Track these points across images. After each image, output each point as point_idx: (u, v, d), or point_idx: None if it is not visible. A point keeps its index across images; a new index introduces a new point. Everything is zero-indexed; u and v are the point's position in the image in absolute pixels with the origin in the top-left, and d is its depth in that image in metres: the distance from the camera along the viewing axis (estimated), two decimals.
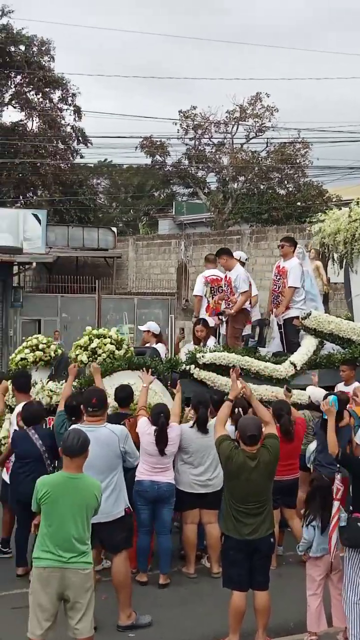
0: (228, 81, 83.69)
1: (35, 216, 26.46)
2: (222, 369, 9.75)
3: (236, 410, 7.72)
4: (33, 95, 35.82)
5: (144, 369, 8.99)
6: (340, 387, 9.70)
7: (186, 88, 78.70)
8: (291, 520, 8.34)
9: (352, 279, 13.67)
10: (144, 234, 39.88)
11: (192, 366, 9.75)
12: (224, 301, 11.37)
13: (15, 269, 26.95)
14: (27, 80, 35.24)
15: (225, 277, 11.35)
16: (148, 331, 11.51)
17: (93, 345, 9.59)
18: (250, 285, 11.61)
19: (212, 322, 11.56)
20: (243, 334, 11.89)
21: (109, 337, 9.67)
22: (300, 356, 10.57)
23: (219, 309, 11.55)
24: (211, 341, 11.13)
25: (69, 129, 36.45)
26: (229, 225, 35.41)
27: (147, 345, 11.26)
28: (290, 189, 36.15)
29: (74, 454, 5.71)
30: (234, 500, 6.37)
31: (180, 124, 37.81)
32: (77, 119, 36.32)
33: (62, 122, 36.26)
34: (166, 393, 9.22)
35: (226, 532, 6.47)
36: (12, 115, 36.09)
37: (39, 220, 26.31)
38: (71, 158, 37.31)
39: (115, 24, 64.23)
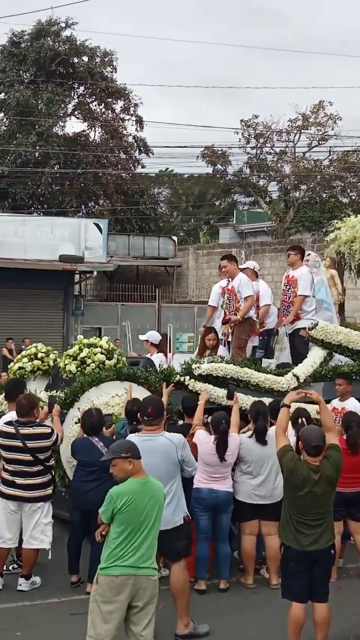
0: (290, 90, 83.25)
1: (97, 225, 26.70)
2: (220, 381, 9.48)
3: (299, 420, 7.65)
4: (96, 105, 36.23)
5: (172, 385, 9.07)
6: (335, 402, 9.39)
7: (248, 97, 78.62)
8: (356, 534, 8.18)
9: None
10: (204, 243, 39.85)
11: (187, 377, 9.44)
12: (228, 310, 10.99)
13: (77, 277, 27.22)
14: (89, 91, 35.65)
15: (230, 287, 10.97)
16: (147, 341, 11.22)
17: (82, 354, 9.39)
18: (255, 291, 11.18)
19: (220, 332, 11.25)
20: (253, 344, 11.50)
21: (99, 347, 9.46)
22: (304, 368, 10.19)
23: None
24: (221, 351, 10.86)
25: (130, 138, 36.73)
26: (291, 234, 35.23)
27: (147, 355, 11.03)
28: (353, 198, 35.80)
29: (134, 457, 5.71)
30: (294, 511, 6.27)
31: (242, 133, 37.83)
32: (138, 129, 36.62)
33: (124, 132, 36.56)
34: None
35: (286, 542, 6.37)
36: (75, 125, 36.55)
37: (101, 230, 26.54)
38: (132, 168, 37.57)
39: (177, 35, 64.63)
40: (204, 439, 7.80)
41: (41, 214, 33.04)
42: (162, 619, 6.66)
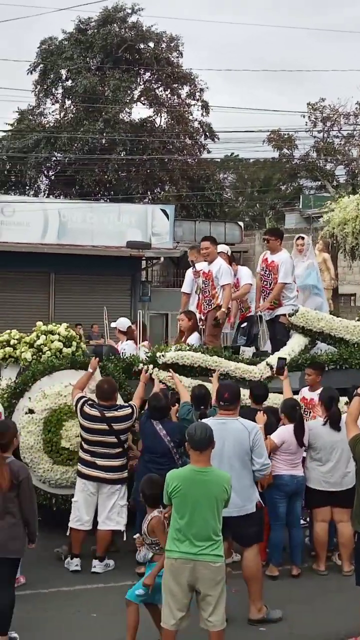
0: (358, 73, 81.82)
1: (164, 211, 26.78)
2: (186, 370, 9.14)
3: None
4: (161, 91, 36.23)
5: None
6: (304, 392, 9.12)
7: (315, 80, 77.66)
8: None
9: None
10: (271, 226, 39.62)
11: (151, 366, 9.03)
12: (206, 300, 10.48)
13: (144, 263, 27.36)
14: (155, 76, 35.66)
15: (208, 271, 10.46)
16: (116, 328, 11.02)
17: (39, 342, 9.04)
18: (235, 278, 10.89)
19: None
20: (226, 331, 11.19)
21: (57, 334, 9.12)
22: (280, 356, 9.67)
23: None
24: (194, 338, 10.36)
25: (196, 124, 36.65)
26: None
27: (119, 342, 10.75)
28: None
29: (202, 447, 5.75)
30: None
31: (309, 117, 37.40)
32: (204, 114, 36.50)
33: (190, 117, 36.49)
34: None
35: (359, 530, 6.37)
36: (141, 112, 36.60)
37: (167, 216, 26.61)
38: (198, 153, 37.50)
39: (243, 19, 64.13)
40: (283, 431, 7.89)
41: (107, 200, 33.27)
42: (235, 604, 6.72)
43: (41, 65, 34.42)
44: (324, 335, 10.05)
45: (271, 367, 9.43)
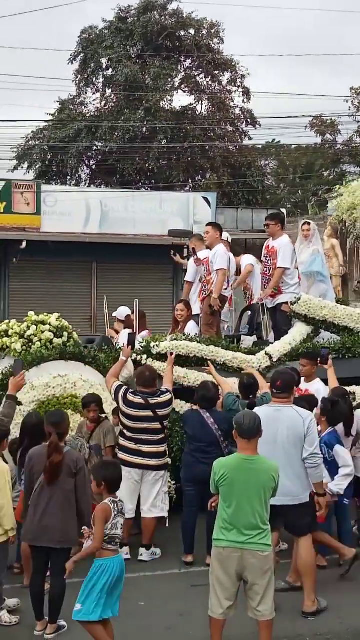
0: None
1: (206, 199, 26.68)
2: (182, 360, 9.04)
3: None
4: (202, 78, 36.02)
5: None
6: (301, 384, 8.76)
7: (358, 65, 76.64)
8: None
9: None
10: (313, 215, 39.27)
11: (145, 356, 8.97)
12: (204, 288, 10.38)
13: (186, 252, 27.28)
14: (196, 64, 35.47)
15: (205, 258, 10.40)
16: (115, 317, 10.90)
17: (29, 332, 8.90)
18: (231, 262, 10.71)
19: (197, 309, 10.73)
20: (226, 319, 11.04)
21: (48, 324, 8.98)
22: (280, 346, 9.61)
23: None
24: (191, 326, 10.26)
25: (237, 111, 36.40)
26: None
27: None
28: None
29: (250, 436, 5.72)
30: None
31: (352, 101, 36.93)
32: (245, 100, 36.22)
33: (231, 104, 36.26)
34: (104, 385, 8.55)
35: None
36: (181, 99, 36.39)
37: (209, 203, 26.51)
38: (239, 140, 37.26)
39: (285, 3, 63.40)
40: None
41: (149, 189, 33.25)
42: (283, 593, 6.67)
43: (82, 55, 34.42)
44: (327, 324, 9.89)
45: (270, 357, 9.34)
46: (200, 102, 35.88)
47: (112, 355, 9.01)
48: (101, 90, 35.50)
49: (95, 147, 34.09)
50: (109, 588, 5.56)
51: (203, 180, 36.51)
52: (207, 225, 10.87)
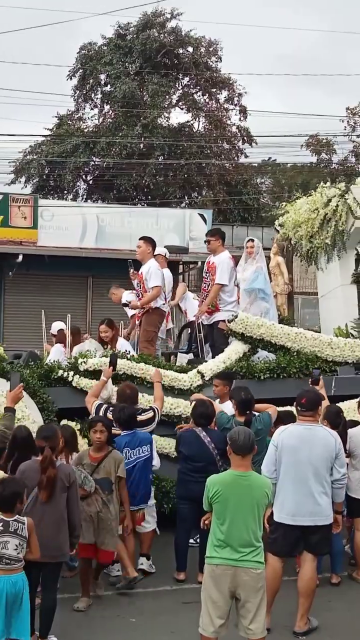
0: None
1: (201, 216, 26.78)
2: (110, 377, 8.70)
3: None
4: (200, 96, 36.22)
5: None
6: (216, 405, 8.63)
7: (354, 85, 77.19)
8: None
9: (318, 278, 12.27)
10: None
11: (72, 373, 8.78)
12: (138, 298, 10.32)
13: (181, 268, 27.34)
14: (194, 81, 35.68)
15: (141, 273, 10.25)
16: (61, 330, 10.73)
17: None
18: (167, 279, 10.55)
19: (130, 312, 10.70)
20: (163, 337, 10.95)
21: None
22: (213, 364, 9.45)
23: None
24: (121, 343, 10.03)
25: (234, 129, 36.60)
26: None
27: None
28: None
29: (245, 452, 5.72)
30: None
31: (347, 121, 37.20)
32: (242, 118, 36.42)
33: (228, 122, 36.45)
34: (33, 407, 8.28)
35: None
36: (179, 116, 36.54)
37: (205, 220, 26.61)
38: (236, 158, 37.44)
39: (283, 24, 63.97)
40: None
41: (145, 205, 33.34)
42: (278, 612, 6.66)
43: (80, 71, 34.61)
44: (264, 342, 9.75)
45: (202, 375, 9.20)
46: (197, 119, 36.08)
47: (36, 371, 8.71)
48: (99, 106, 35.68)
49: (92, 163, 34.22)
50: (5, 608, 5.52)
51: (199, 197, 36.63)
52: (139, 239, 10.64)
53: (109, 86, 34.60)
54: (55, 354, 10.19)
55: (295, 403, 6.99)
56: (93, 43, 34.70)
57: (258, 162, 44.33)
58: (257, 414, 7.91)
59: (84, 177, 35.45)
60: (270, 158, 46.01)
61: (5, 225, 23.53)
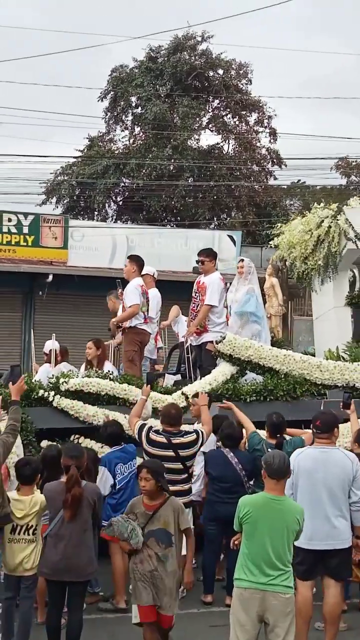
0: None
1: (231, 237, 26.83)
2: (92, 398, 8.83)
3: None
4: (230, 118, 36.38)
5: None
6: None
7: None
8: None
9: (313, 300, 12.04)
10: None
11: (52, 393, 8.70)
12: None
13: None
14: (224, 103, 35.86)
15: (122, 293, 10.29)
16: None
17: None
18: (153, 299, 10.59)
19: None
20: (152, 357, 10.90)
21: None
22: (199, 386, 9.34)
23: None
24: (108, 366, 9.97)
25: (264, 151, 36.67)
26: None
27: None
28: None
29: (280, 476, 5.69)
30: None
31: None
32: (272, 141, 36.50)
33: (258, 144, 36.54)
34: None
35: None
36: (209, 138, 36.68)
37: (234, 242, 26.64)
38: (265, 180, 37.48)
39: (313, 47, 64.16)
40: None
41: (174, 226, 33.46)
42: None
43: (112, 93, 34.92)
44: (252, 364, 9.67)
45: (186, 397, 9.11)
46: (227, 141, 36.20)
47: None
48: (130, 127, 35.93)
49: (122, 184, 34.43)
50: None
51: (228, 219, 36.69)
52: (127, 257, 10.70)
53: (139, 108, 34.87)
54: (42, 374, 10.10)
55: (311, 424, 6.95)
56: (124, 66, 35.03)
57: (287, 184, 44.37)
58: (288, 437, 7.87)
59: (114, 198, 35.66)
60: (299, 180, 46.03)
61: (36, 246, 23.71)
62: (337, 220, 11.23)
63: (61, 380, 8.88)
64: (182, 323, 12.07)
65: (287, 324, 14.64)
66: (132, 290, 10.08)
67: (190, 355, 10.65)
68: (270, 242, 12.59)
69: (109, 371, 9.65)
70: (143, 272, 10.83)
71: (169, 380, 10.43)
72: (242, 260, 11.28)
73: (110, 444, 7.91)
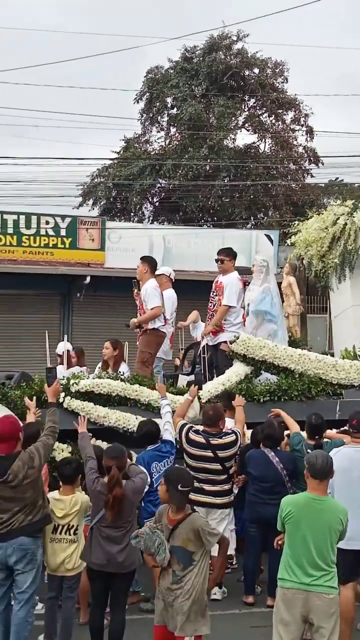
0: None
1: (268, 237, 26.71)
2: (103, 399, 8.70)
3: None
4: (266, 117, 36.26)
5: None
6: None
7: None
8: None
9: (332, 298, 11.78)
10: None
11: (63, 394, 8.51)
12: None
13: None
14: (260, 102, 35.74)
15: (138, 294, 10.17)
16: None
17: None
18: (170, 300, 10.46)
19: None
20: (167, 358, 10.76)
21: None
22: (212, 386, 9.23)
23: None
24: (124, 368, 9.90)
25: (300, 149, 36.49)
26: None
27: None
28: None
29: (322, 476, 5.65)
30: None
31: None
32: (308, 139, 36.30)
33: (294, 143, 36.36)
34: None
35: None
36: (245, 138, 36.55)
37: (271, 241, 26.53)
38: (302, 178, 37.28)
39: (348, 44, 63.67)
40: None
41: (211, 226, 33.42)
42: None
43: (147, 94, 35.00)
44: (267, 364, 9.55)
45: (199, 398, 8.96)
46: (263, 140, 36.08)
47: (27, 392, 8.47)
48: (166, 128, 35.99)
49: (158, 185, 34.49)
50: None
51: (265, 218, 36.57)
52: (140, 258, 10.60)
53: (175, 109, 34.90)
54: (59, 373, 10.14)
55: (348, 424, 6.91)
56: (160, 67, 35.10)
57: (325, 183, 44.11)
58: (327, 440, 7.81)
59: (150, 199, 35.74)
60: (337, 178, 45.73)
61: (74, 248, 23.84)
62: (353, 217, 11.05)
63: (72, 381, 8.84)
64: (200, 328, 12.02)
65: (305, 323, 14.46)
66: (152, 292, 10.01)
67: (206, 355, 10.59)
68: (287, 241, 12.47)
69: (120, 372, 9.64)
70: (158, 273, 10.81)
71: (183, 381, 10.30)
72: (255, 258, 11.21)
73: (146, 444, 7.91)
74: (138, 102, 35.32)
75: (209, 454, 7.80)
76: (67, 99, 49.13)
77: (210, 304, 10.51)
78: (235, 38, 34.51)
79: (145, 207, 35.87)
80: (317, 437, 7.83)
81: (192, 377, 10.63)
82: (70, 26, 59.60)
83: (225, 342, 9.89)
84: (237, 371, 9.55)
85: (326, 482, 5.69)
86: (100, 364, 10.58)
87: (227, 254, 10.74)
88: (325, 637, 5.51)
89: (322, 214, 11.55)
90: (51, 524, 6.64)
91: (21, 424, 6.65)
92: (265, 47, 58.40)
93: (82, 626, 6.81)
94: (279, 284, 12.25)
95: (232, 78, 34.35)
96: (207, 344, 10.56)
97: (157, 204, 35.84)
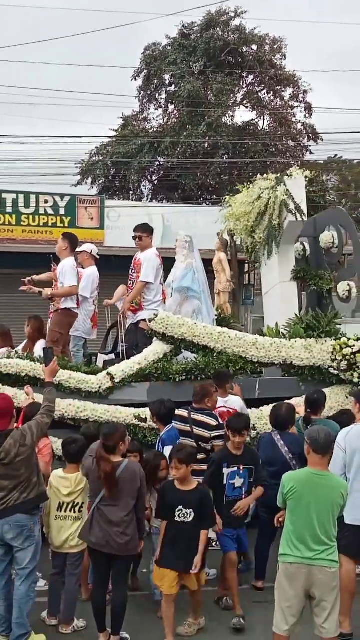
0: None
1: None
2: (12, 379, 8.52)
3: None
4: (264, 94, 36.07)
5: None
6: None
7: None
8: None
9: (262, 274, 11.50)
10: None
11: None
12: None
13: (247, 267, 27.26)
14: (258, 79, 35.54)
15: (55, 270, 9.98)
16: None
17: None
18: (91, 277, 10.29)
19: None
20: (90, 337, 10.55)
21: None
22: (126, 366, 9.00)
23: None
24: (40, 345, 9.52)
25: (299, 126, 36.35)
26: None
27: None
28: None
29: (325, 451, 5.69)
30: None
31: None
32: (307, 116, 36.15)
33: (293, 119, 36.21)
34: None
35: None
36: (243, 115, 36.45)
37: None
38: (301, 155, 37.16)
39: (347, 20, 63.31)
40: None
41: (210, 204, 33.35)
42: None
43: (145, 71, 34.81)
44: (186, 342, 9.28)
45: (112, 377, 8.83)
46: (262, 117, 35.92)
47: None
48: (164, 106, 35.83)
49: (157, 163, 34.37)
50: None
51: None
52: (62, 234, 10.34)
53: (173, 86, 34.72)
54: None
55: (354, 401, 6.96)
56: (157, 44, 34.87)
57: (324, 160, 43.94)
58: (315, 418, 7.87)
59: (149, 177, 35.64)
60: (336, 155, 45.57)
61: (73, 227, 23.81)
62: (277, 191, 10.83)
63: None
64: None
65: (237, 300, 14.21)
66: (69, 270, 9.75)
67: (122, 333, 10.37)
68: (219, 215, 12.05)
69: (29, 352, 9.40)
70: (80, 250, 10.63)
71: (101, 359, 10.13)
72: (179, 233, 10.85)
73: (164, 423, 7.94)
74: (136, 79, 35.15)
75: (187, 428, 7.76)
76: (65, 77, 48.87)
77: (129, 282, 10.31)
78: (233, 14, 34.27)
79: (144, 186, 35.79)
80: (308, 410, 7.86)
81: (112, 356, 10.41)
82: (69, 2, 59.15)
83: (145, 320, 9.68)
84: (156, 350, 9.28)
85: (327, 456, 5.72)
86: (22, 344, 10.32)
87: (144, 230, 10.43)
88: (327, 610, 5.57)
89: (249, 188, 11.30)
90: (57, 501, 6.70)
91: (15, 403, 6.66)
92: (264, 23, 58.00)
93: (85, 602, 6.87)
94: (210, 260, 11.87)
95: (230, 55, 34.14)
96: (129, 322, 10.37)
97: (155, 182, 35.75)
